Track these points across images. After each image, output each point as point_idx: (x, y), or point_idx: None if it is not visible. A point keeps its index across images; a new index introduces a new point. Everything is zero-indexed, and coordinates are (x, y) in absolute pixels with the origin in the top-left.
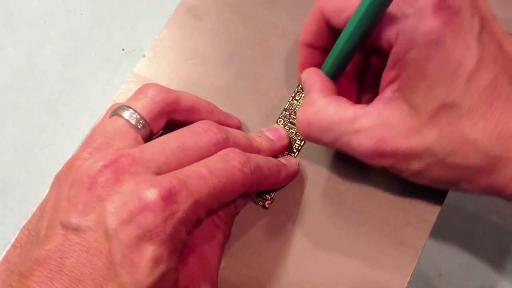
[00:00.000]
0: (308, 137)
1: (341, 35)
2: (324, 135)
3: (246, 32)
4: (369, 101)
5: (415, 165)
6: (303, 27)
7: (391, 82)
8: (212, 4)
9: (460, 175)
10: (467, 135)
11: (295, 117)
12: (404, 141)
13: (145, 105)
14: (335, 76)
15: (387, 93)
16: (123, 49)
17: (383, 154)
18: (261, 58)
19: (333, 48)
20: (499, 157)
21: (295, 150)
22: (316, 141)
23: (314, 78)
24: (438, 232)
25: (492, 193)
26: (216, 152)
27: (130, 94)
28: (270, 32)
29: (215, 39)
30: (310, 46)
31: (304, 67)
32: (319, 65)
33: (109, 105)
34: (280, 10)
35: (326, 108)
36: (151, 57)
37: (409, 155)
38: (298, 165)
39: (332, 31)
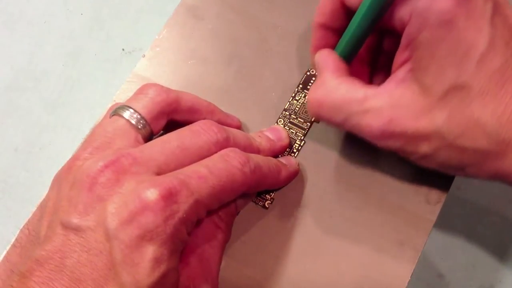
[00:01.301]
0: (318, 117)
1: (355, 15)
2: (334, 115)
3: (246, 32)
4: (382, 84)
5: (424, 148)
6: (317, 8)
7: (403, 63)
8: (212, 4)
9: (467, 159)
10: (476, 117)
11: (295, 117)
12: (413, 122)
13: (146, 105)
14: (348, 57)
15: (399, 74)
16: (123, 49)
17: (392, 135)
18: (261, 58)
19: (347, 29)
20: (508, 141)
21: (295, 150)
22: (326, 121)
23: (327, 59)
24: (438, 232)
25: (499, 178)
26: (216, 152)
27: (130, 94)
28: (270, 32)
29: (215, 39)
30: (324, 27)
31: (317, 48)
32: (332, 47)
33: (109, 105)
34: (280, 10)
35: (337, 88)
36: (151, 57)
37: (418, 137)
38: (298, 165)
39: (346, 11)
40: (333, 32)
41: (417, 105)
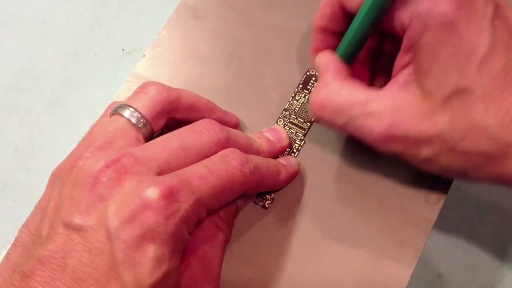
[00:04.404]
0: (320, 119)
1: (355, 18)
2: (336, 118)
3: (246, 32)
4: (382, 86)
5: (426, 151)
6: (317, 11)
7: (404, 66)
8: (212, 4)
9: (470, 163)
10: (479, 121)
11: (295, 117)
12: (415, 126)
13: (146, 104)
14: (349, 60)
15: (400, 77)
16: (123, 49)
17: (394, 138)
18: (261, 58)
19: (347, 32)
20: (510, 145)
21: (295, 150)
22: (328, 123)
23: (329, 61)
24: (438, 232)
25: (501, 181)
26: (216, 152)
27: (130, 94)
28: (270, 32)
29: (215, 39)
30: (324, 30)
31: (318, 50)
32: (333, 49)
33: None
34: (280, 10)
35: (339, 91)
36: (151, 57)
37: (420, 140)
38: (298, 165)
39: (346, 15)
40: (333, 35)
41: (420, 108)
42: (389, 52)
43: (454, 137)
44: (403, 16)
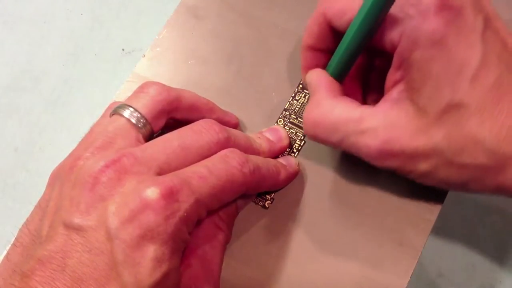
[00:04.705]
0: (314, 138)
1: (344, 37)
2: (330, 136)
3: (246, 32)
4: (375, 101)
5: (423, 166)
6: (305, 30)
7: (396, 83)
8: (212, 4)
9: (468, 175)
10: (474, 134)
11: (295, 117)
12: (411, 142)
13: (146, 104)
14: (340, 77)
15: (393, 94)
16: (123, 49)
17: (390, 154)
18: (261, 58)
19: (336, 50)
20: (507, 156)
21: (295, 150)
22: (323, 141)
23: (320, 79)
24: (438, 232)
25: (501, 192)
26: (216, 152)
27: (130, 94)
28: (270, 32)
29: (215, 39)
30: (313, 48)
31: (308, 69)
32: (323, 67)
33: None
34: (280, 10)
35: (332, 109)
36: (151, 57)
37: (416, 156)
38: (298, 165)
39: (334, 33)
40: (322, 52)
41: (413, 125)
42: (379, 67)
43: (451, 151)
44: (392, 33)
